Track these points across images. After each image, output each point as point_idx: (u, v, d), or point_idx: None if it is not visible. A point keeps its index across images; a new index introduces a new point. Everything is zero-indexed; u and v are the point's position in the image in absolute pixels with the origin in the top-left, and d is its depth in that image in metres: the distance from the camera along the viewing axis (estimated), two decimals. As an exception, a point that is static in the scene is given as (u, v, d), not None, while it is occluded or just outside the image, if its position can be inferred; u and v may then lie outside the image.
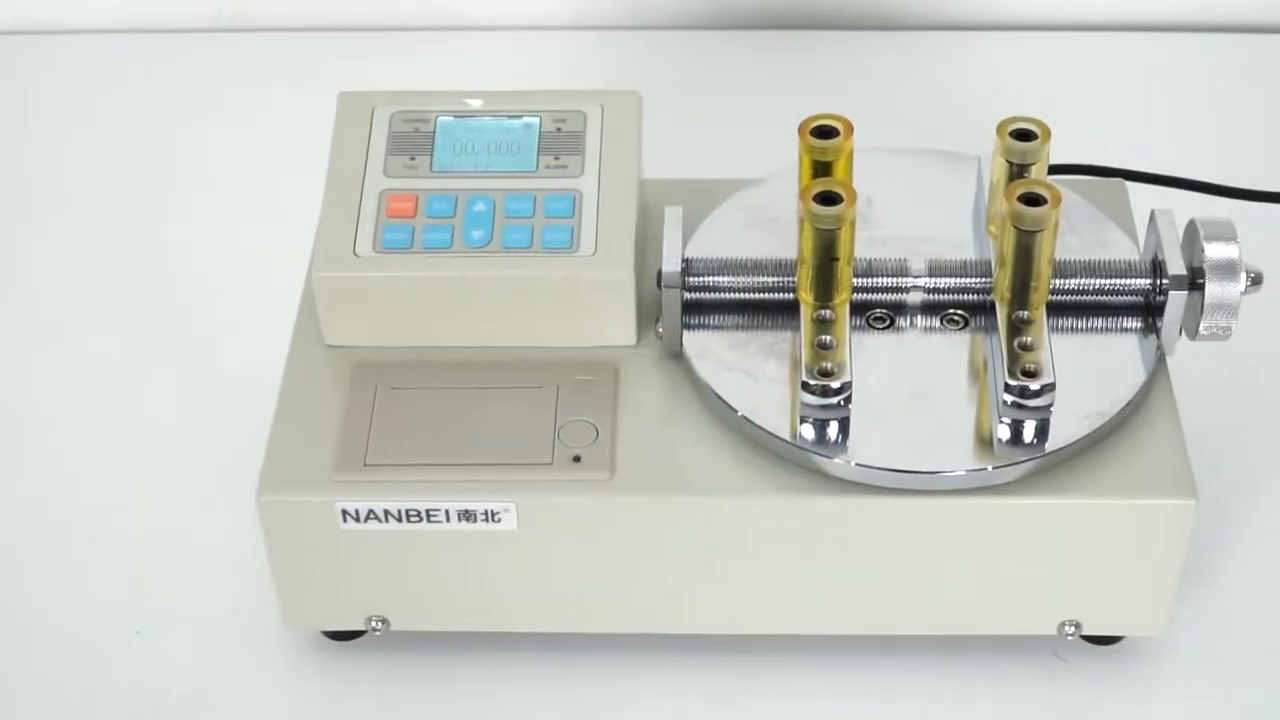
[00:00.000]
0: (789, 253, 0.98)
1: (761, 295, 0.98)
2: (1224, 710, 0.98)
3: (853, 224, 0.94)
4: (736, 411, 0.95)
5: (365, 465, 0.94)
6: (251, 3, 1.42)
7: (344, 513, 0.94)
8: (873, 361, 0.96)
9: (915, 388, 0.95)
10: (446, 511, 0.93)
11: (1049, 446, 0.92)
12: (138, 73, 1.39)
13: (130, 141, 1.33)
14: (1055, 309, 0.97)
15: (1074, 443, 0.93)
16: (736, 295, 0.98)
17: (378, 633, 0.98)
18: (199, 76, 1.39)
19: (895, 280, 0.98)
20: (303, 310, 1.01)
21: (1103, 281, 0.97)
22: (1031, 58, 1.38)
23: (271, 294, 1.10)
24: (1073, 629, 0.97)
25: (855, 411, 0.94)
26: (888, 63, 1.36)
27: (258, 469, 0.94)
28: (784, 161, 1.02)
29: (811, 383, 0.93)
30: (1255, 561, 1.04)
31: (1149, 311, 0.98)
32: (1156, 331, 0.97)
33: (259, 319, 1.13)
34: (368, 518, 0.94)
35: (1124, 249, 1.00)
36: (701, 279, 0.98)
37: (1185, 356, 0.98)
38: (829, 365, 0.93)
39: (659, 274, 0.96)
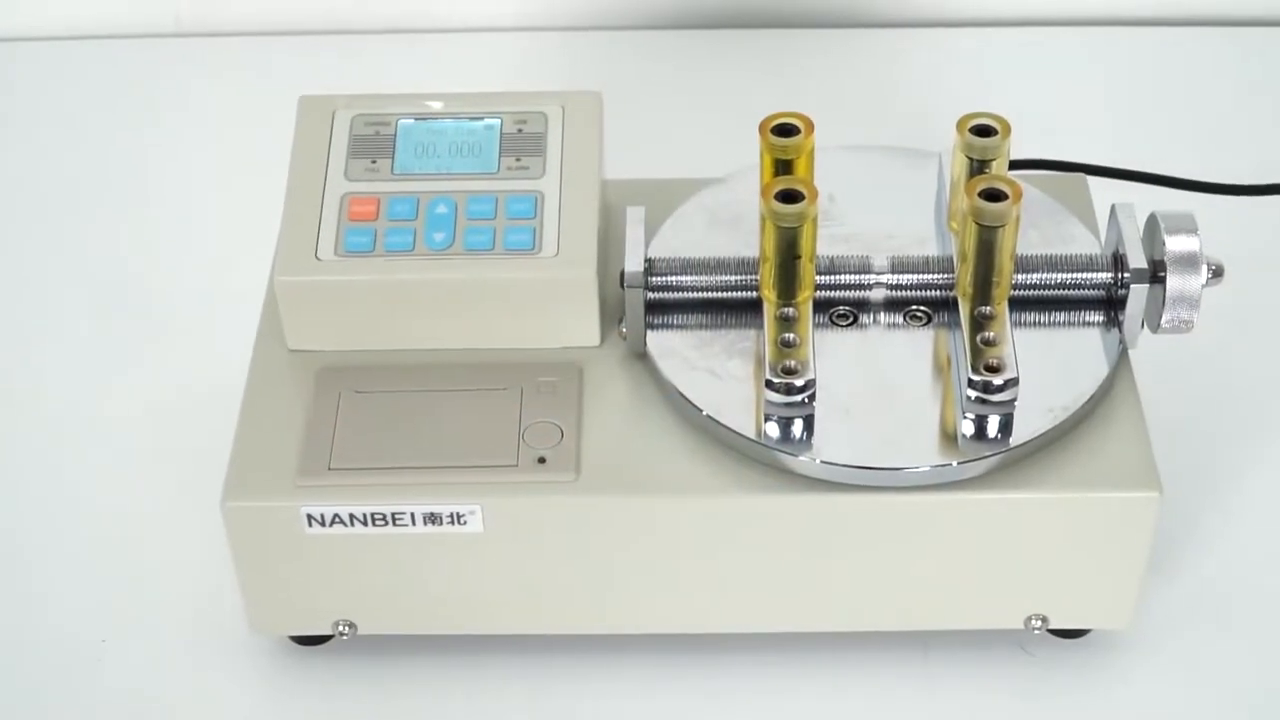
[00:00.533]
0: (751, 251, 0.98)
1: (724, 294, 0.98)
2: (1189, 701, 0.98)
3: (814, 222, 0.94)
4: (701, 411, 0.95)
5: (330, 469, 0.94)
6: (210, 7, 1.42)
7: (309, 517, 0.94)
8: (836, 359, 0.96)
9: (879, 384, 0.96)
10: (412, 515, 0.93)
11: (1013, 441, 0.93)
12: (97, 78, 1.38)
13: (91, 147, 1.33)
14: (1017, 304, 0.97)
15: (1038, 437, 0.93)
16: (699, 294, 0.98)
17: (344, 637, 0.98)
18: (159, 81, 1.38)
19: (858, 277, 0.98)
20: (265, 315, 1.01)
21: (1064, 276, 0.97)
22: (991, 54, 1.38)
23: (234, 299, 1.10)
24: (1039, 623, 0.97)
25: (819, 409, 0.94)
26: (848, 60, 1.36)
27: (222, 475, 0.94)
28: (745, 160, 1.02)
29: (775, 381, 0.93)
30: (1219, 553, 1.04)
31: (1111, 305, 0.98)
32: (1119, 325, 0.97)
33: (222, 324, 1.13)
34: (333, 522, 0.94)
35: (1085, 243, 1.01)
36: (664, 279, 0.98)
37: (1147, 349, 0.99)
38: (792, 363, 0.94)
39: (622, 274, 0.96)
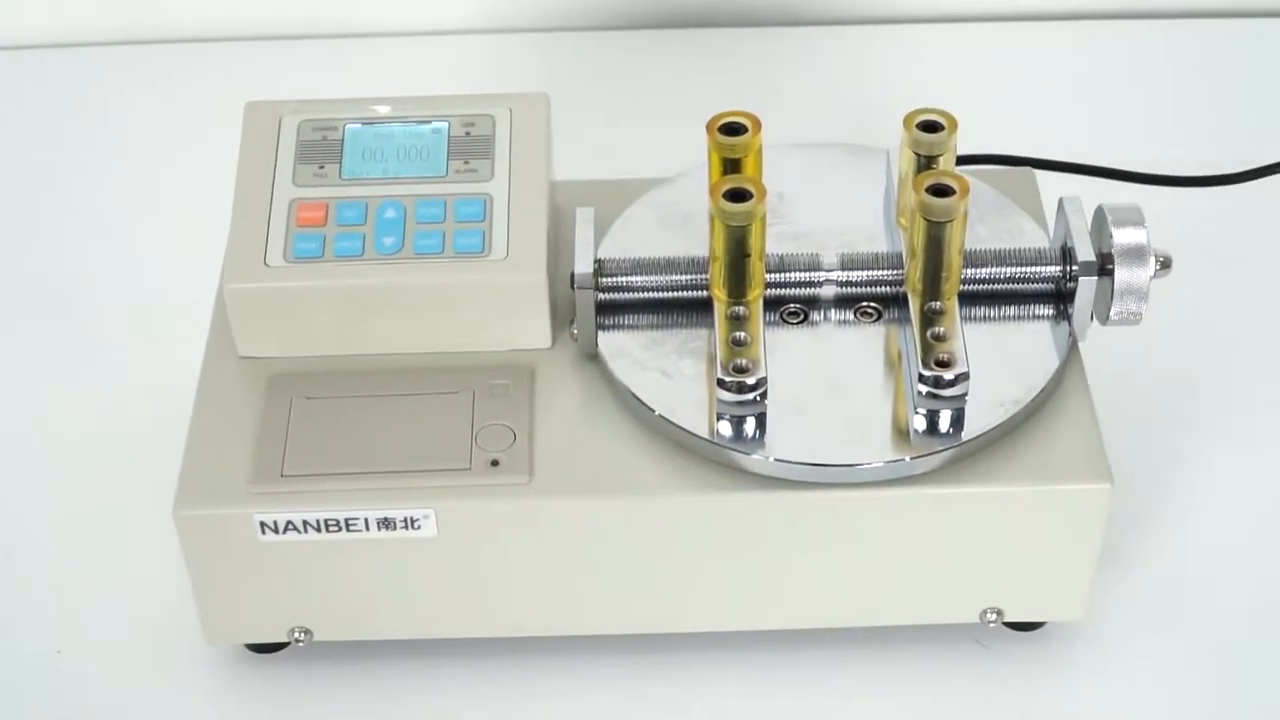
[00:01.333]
0: (701, 250, 0.98)
1: (675, 294, 0.98)
2: (1145, 692, 0.99)
3: (763, 220, 0.94)
4: (654, 411, 0.95)
5: (282, 476, 0.94)
6: (156, 15, 1.41)
7: (262, 525, 0.93)
8: (788, 356, 0.96)
9: (831, 381, 0.96)
10: (366, 520, 0.93)
11: (965, 435, 0.93)
12: (46, 86, 1.38)
13: (40, 154, 1.32)
14: (967, 298, 0.98)
15: (990, 431, 0.93)
16: (650, 294, 0.98)
17: (301, 644, 0.98)
18: (106, 88, 1.38)
19: (808, 275, 0.98)
20: (215, 322, 1.01)
21: (1013, 270, 0.98)
22: (937, 50, 1.38)
23: (184, 306, 1.10)
24: (994, 616, 0.97)
25: (772, 407, 0.94)
26: (794, 58, 1.37)
27: (174, 483, 0.94)
28: (693, 160, 1.02)
29: (727, 379, 0.93)
30: (1172, 543, 1.04)
31: (1060, 298, 0.98)
32: (1068, 318, 0.97)
33: (172, 331, 1.13)
34: (286, 529, 0.93)
35: (1034, 237, 1.01)
36: (614, 279, 0.98)
37: (1097, 341, 0.99)
38: (744, 362, 0.94)
39: (572, 276, 0.96)
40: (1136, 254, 0.95)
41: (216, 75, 1.37)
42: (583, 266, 0.96)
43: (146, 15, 1.42)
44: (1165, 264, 0.95)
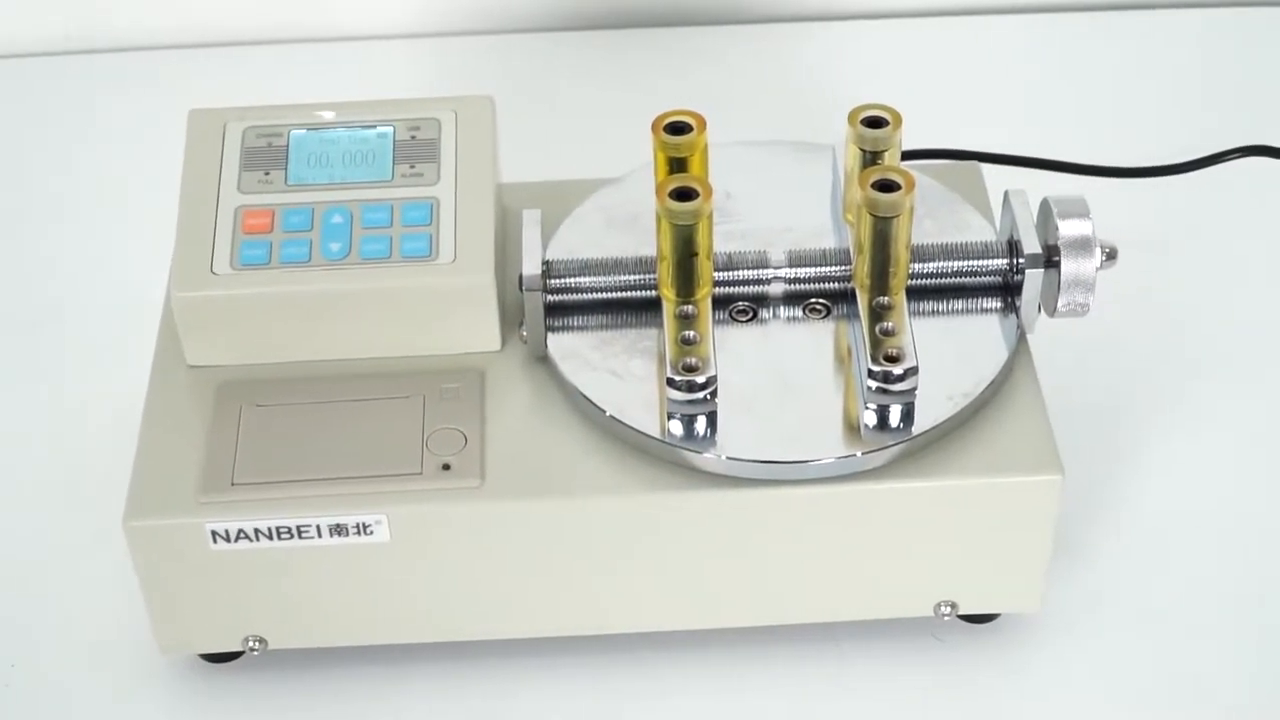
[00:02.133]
0: (649, 250, 0.98)
1: (623, 294, 0.98)
2: (1100, 680, 0.99)
3: (710, 219, 0.94)
4: (604, 411, 0.95)
5: (233, 485, 0.93)
6: (99, 23, 1.41)
7: (213, 534, 0.93)
8: (737, 354, 0.97)
9: (781, 378, 0.96)
10: (317, 527, 0.93)
11: (915, 429, 0.93)
12: (-12, 97, 1.37)
13: (-19, 166, 1.32)
14: (915, 293, 0.98)
15: (940, 424, 0.93)
16: (599, 295, 0.98)
17: (255, 653, 0.98)
18: (49, 98, 1.37)
19: (756, 272, 0.98)
20: (163, 331, 1.00)
21: (961, 263, 0.98)
22: (881, 47, 1.39)
23: (131, 315, 1.09)
24: (948, 609, 0.98)
25: (722, 405, 0.94)
26: (738, 57, 1.37)
27: (124, 494, 0.93)
28: (640, 159, 1.02)
29: (677, 379, 0.93)
30: (1124, 534, 1.05)
31: (1008, 291, 0.98)
32: (1016, 310, 0.98)
33: (119, 340, 1.12)
34: (238, 537, 0.93)
35: (981, 230, 1.01)
36: (563, 280, 0.98)
37: (1045, 333, 0.99)
38: (693, 360, 0.94)
39: (520, 278, 0.96)
40: (1082, 245, 0.95)
41: (160, 83, 1.37)
42: (530, 268, 0.96)
43: (89, 24, 1.41)
44: (1111, 255, 0.95)
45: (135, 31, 1.41)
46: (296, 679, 1.00)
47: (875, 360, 0.93)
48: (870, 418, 0.94)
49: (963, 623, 1.00)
